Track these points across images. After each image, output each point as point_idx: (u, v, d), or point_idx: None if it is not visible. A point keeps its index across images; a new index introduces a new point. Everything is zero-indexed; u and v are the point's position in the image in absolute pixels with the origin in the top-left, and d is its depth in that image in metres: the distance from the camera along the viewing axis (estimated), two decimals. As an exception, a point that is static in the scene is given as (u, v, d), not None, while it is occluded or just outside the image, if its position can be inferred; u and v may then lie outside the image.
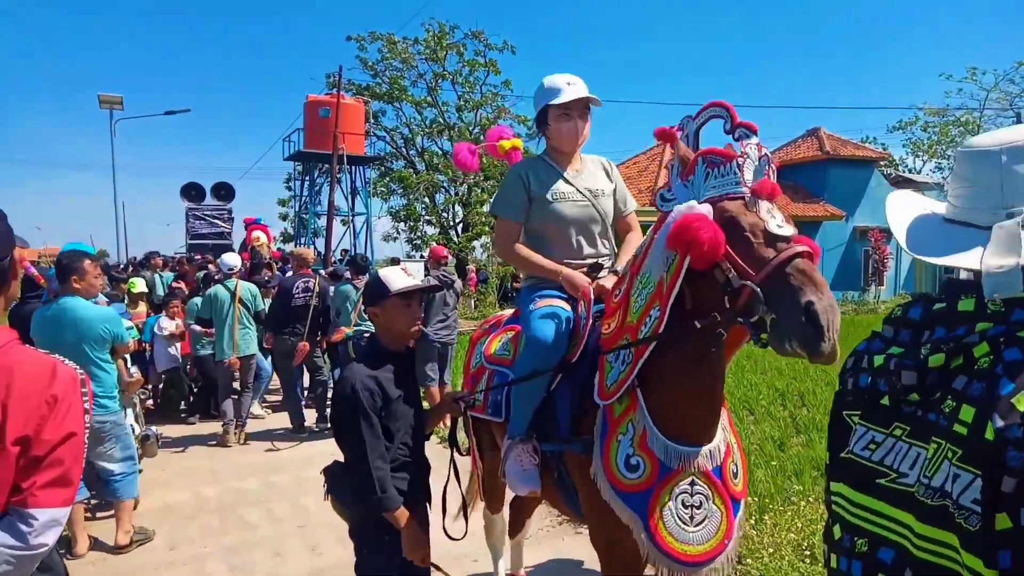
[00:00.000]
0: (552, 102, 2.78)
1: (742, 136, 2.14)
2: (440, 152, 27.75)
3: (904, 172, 36.04)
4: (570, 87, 2.77)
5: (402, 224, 28.21)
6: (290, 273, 8.20)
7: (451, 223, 27.55)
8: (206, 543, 4.72)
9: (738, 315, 1.96)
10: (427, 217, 27.78)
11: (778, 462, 5.72)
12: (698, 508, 2.25)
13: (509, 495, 3.50)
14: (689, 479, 2.24)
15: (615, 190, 3.03)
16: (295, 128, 26.21)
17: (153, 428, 6.58)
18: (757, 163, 2.06)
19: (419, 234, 28.00)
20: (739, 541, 2.43)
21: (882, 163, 29.67)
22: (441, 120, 27.59)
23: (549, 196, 2.84)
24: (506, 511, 3.73)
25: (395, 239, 29.30)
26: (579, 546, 4.38)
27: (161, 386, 8.42)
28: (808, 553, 4.00)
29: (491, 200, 3.73)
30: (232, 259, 7.74)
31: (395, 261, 21.06)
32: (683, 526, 2.22)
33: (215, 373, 7.59)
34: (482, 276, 22.41)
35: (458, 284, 7.39)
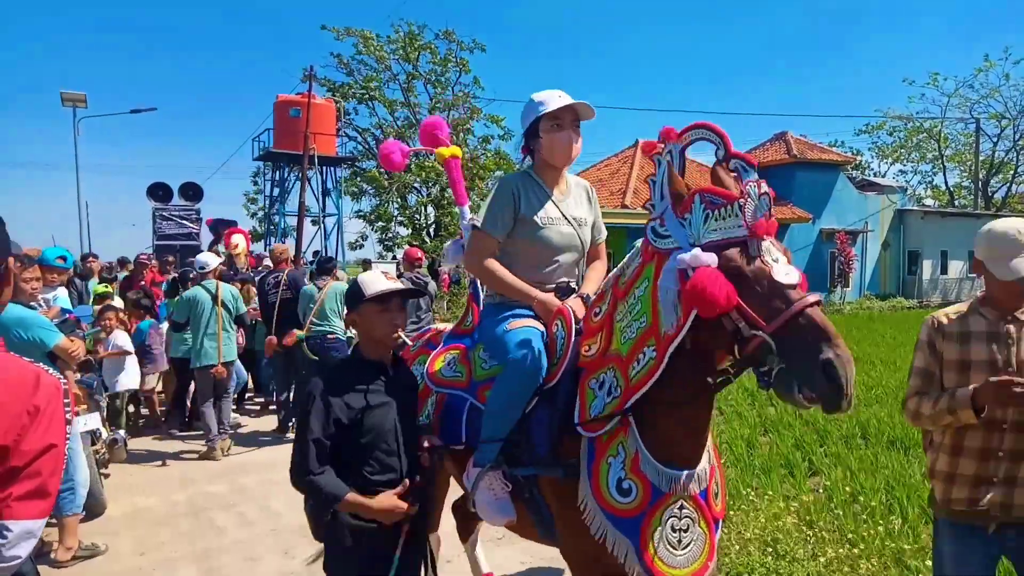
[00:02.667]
0: (543, 111, 2.66)
1: (739, 169, 2.06)
2: (412, 152, 27.58)
3: (870, 176, 36.75)
4: (560, 99, 2.67)
5: (372, 227, 28.04)
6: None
7: (423, 224, 27.46)
8: (176, 548, 4.67)
9: (747, 363, 1.97)
10: (400, 218, 27.67)
11: (744, 462, 5.83)
12: (685, 531, 2.25)
13: (447, 505, 3.43)
14: (678, 503, 2.23)
15: (594, 220, 2.96)
16: (265, 128, 25.97)
17: (120, 432, 6.49)
18: (758, 202, 1.99)
19: (391, 235, 27.86)
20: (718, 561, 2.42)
21: (848, 166, 30.24)
22: (414, 120, 27.51)
23: (538, 220, 2.73)
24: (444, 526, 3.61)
25: (361, 246, 29.05)
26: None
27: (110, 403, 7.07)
28: (771, 549, 4.10)
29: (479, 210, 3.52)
30: (207, 258, 7.33)
31: (366, 263, 20.93)
32: (671, 550, 2.21)
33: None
34: (455, 278, 22.38)
35: (432, 287, 7.39)
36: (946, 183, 38.67)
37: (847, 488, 5.08)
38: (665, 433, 2.21)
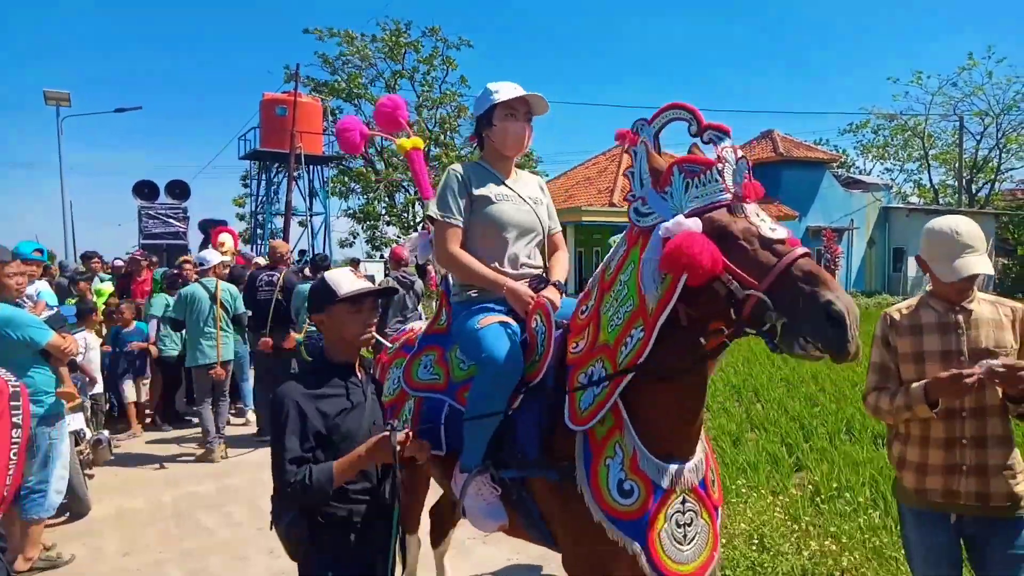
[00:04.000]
0: (498, 100, 2.65)
1: (713, 139, 2.04)
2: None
3: (855, 173, 36.99)
4: (516, 90, 2.67)
5: (360, 225, 27.98)
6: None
7: (412, 223, 27.43)
8: (162, 549, 4.64)
9: (746, 325, 1.90)
10: (387, 217, 27.62)
11: (730, 458, 5.87)
12: (689, 525, 2.20)
13: (427, 504, 3.31)
14: (680, 498, 2.18)
15: (548, 207, 2.90)
16: (251, 127, 25.79)
17: (105, 433, 6.44)
18: (736, 166, 1.99)
19: (379, 234, 27.81)
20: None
21: (834, 164, 30.47)
22: (400, 119, 27.44)
23: (492, 196, 2.68)
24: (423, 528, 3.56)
25: (351, 244, 28.98)
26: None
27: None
28: (757, 542, 4.14)
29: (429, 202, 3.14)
30: (208, 255, 7.21)
31: (355, 262, 20.86)
32: (678, 546, 2.16)
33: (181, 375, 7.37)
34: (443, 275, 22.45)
35: (419, 285, 7.35)
36: (931, 181, 38.98)
37: (832, 483, 5.13)
38: (661, 426, 2.16)
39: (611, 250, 2.37)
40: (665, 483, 2.14)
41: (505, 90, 2.66)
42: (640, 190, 2.15)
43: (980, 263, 2.33)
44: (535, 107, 2.75)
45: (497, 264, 2.69)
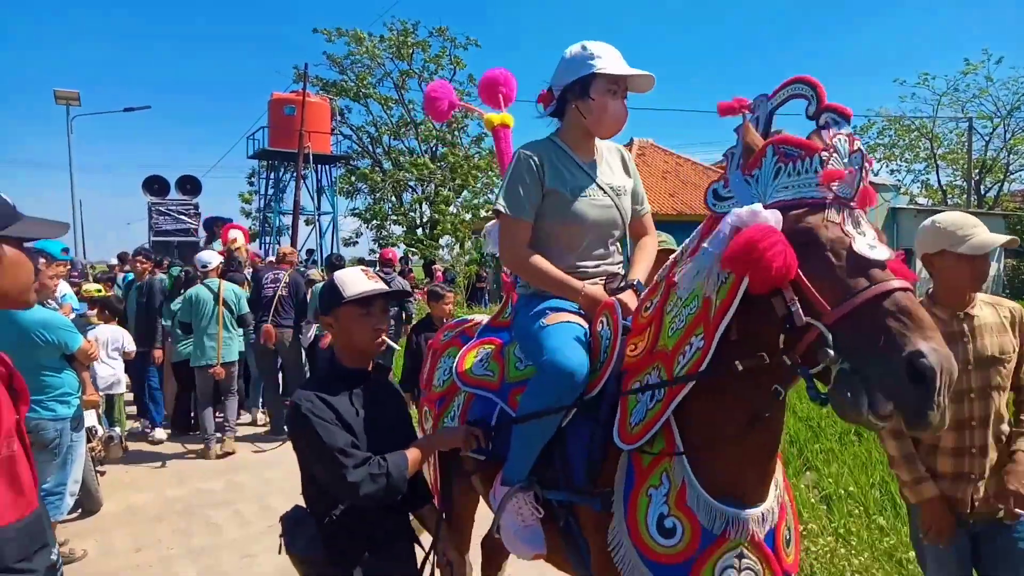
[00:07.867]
0: (603, 70, 2.20)
1: (830, 122, 1.67)
2: (407, 151, 27.72)
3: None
4: (621, 61, 2.25)
5: (367, 225, 28.07)
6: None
7: (418, 222, 27.50)
8: (173, 545, 4.67)
9: (797, 364, 1.56)
10: (394, 216, 27.70)
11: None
12: None
13: (478, 530, 3.07)
14: (737, 549, 1.79)
15: (633, 187, 2.50)
16: (259, 126, 25.89)
17: (116, 430, 6.46)
18: (847, 159, 1.60)
19: (386, 234, 27.89)
20: None
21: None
22: (408, 119, 27.61)
23: (568, 192, 2.29)
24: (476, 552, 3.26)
25: (356, 243, 29.08)
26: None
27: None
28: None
29: (496, 191, 2.47)
30: (209, 256, 7.23)
31: (362, 261, 20.88)
32: None
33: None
34: (449, 276, 22.43)
35: (396, 284, 7.36)
36: (939, 181, 38.77)
37: (840, 484, 5.11)
38: (721, 458, 1.80)
39: (686, 240, 2.03)
40: (716, 529, 1.78)
41: (609, 58, 2.23)
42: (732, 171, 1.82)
43: (997, 236, 2.35)
44: (636, 86, 2.34)
45: (570, 262, 2.36)
